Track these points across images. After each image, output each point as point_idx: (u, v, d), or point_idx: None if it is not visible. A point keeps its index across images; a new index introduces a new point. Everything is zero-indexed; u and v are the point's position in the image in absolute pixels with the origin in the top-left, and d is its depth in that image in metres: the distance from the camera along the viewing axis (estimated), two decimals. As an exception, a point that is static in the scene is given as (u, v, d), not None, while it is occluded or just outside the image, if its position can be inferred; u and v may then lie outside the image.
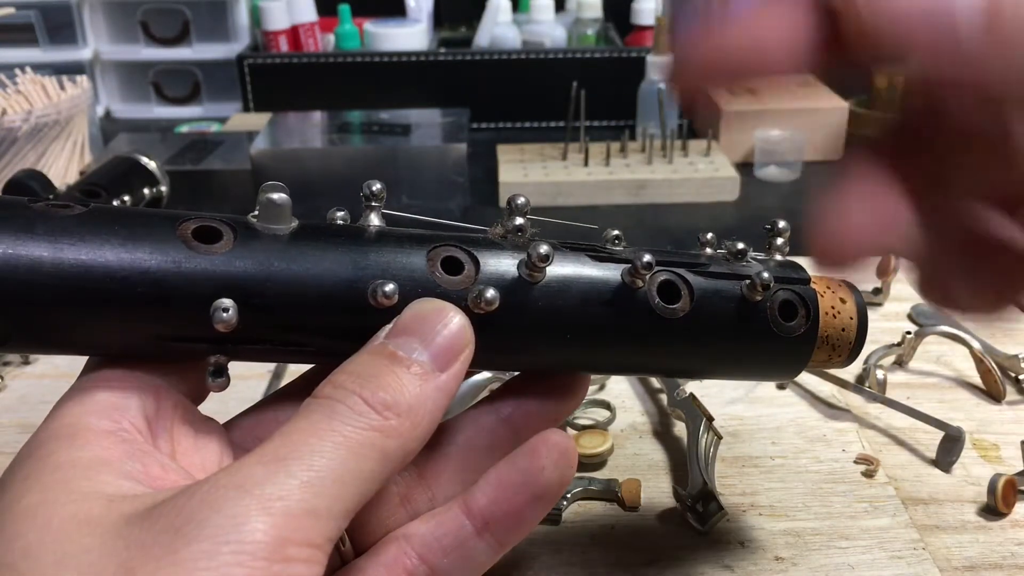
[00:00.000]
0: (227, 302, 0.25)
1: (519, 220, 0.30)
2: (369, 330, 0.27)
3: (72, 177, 0.80)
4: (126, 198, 0.69)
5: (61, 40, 1.02)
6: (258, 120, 0.94)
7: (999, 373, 0.49)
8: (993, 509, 0.40)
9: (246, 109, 0.99)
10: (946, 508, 0.41)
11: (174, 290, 0.25)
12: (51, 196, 0.66)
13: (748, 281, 0.31)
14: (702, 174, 0.80)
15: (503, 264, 0.29)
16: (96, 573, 0.21)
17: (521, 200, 0.30)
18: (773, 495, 0.42)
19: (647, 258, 0.29)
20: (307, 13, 1.01)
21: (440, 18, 1.12)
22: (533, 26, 1.01)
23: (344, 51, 0.99)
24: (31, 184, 0.65)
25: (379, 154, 0.79)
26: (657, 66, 0.88)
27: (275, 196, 0.27)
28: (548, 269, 0.29)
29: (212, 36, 1.04)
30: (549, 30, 1.00)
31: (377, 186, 0.29)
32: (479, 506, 0.29)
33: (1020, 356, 0.50)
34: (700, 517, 0.39)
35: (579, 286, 0.29)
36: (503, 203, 0.78)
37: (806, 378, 0.50)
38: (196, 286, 0.25)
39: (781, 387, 0.50)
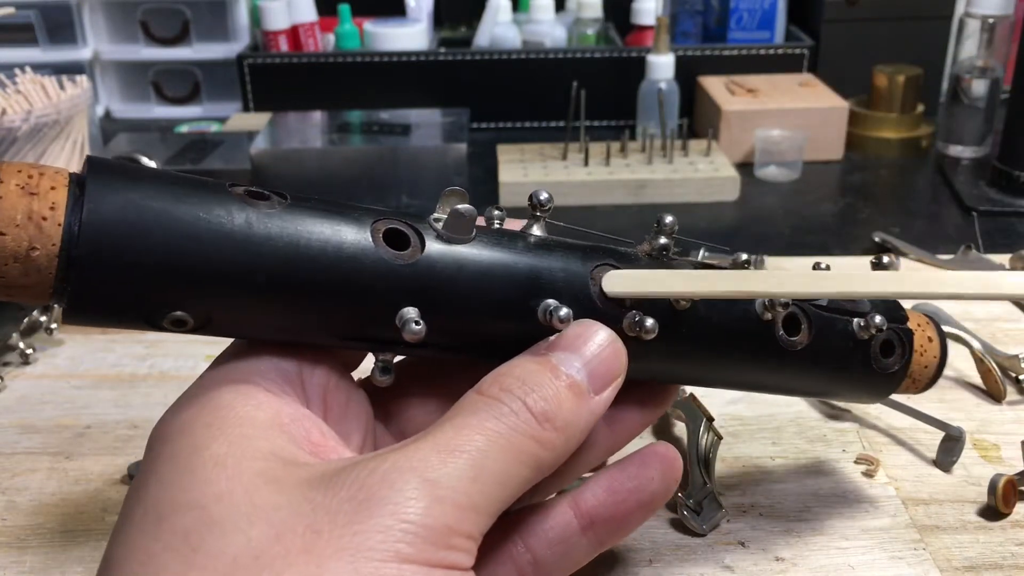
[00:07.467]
0: (414, 312, 0.26)
1: (663, 240, 0.31)
2: (532, 339, 0.28)
3: (72, 177, 0.80)
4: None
5: (61, 40, 1.02)
6: (258, 120, 0.94)
7: (999, 373, 0.49)
8: (993, 509, 0.40)
9: (246, 109, 0.99)
10: (946, 508, 0.41)
11: (370, 293, 0.26)
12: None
13: (861, 321, 0.33)
14: (702, 174, 0.80)
15: None
16: (287, 529, 0.22)
17: (669, 219, 0.31)
18: (773, 495, 0.42)
19: None
20: (307, 13, 1.01)
21: (440, 18, 1.12)
22: (533, 26, 1.01)
23: (344, 51, 0.99)
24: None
25: (379, 154, 0.79)
26: (657, 66, 0.88)
27: (463, 208, 0.27)
28: None
29: (212, 36, 1.04)
30: (549, 30, 1.00)
31: (544, 195, 0.30)
32: (588, 506, 0.30)
33: (1020, 356, 0.50)
34: (700, 517, 0.39)
35: (718, 316, 0.30)
36: (503, 203, 0.78)
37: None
38: (388, 293, 0.26)
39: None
